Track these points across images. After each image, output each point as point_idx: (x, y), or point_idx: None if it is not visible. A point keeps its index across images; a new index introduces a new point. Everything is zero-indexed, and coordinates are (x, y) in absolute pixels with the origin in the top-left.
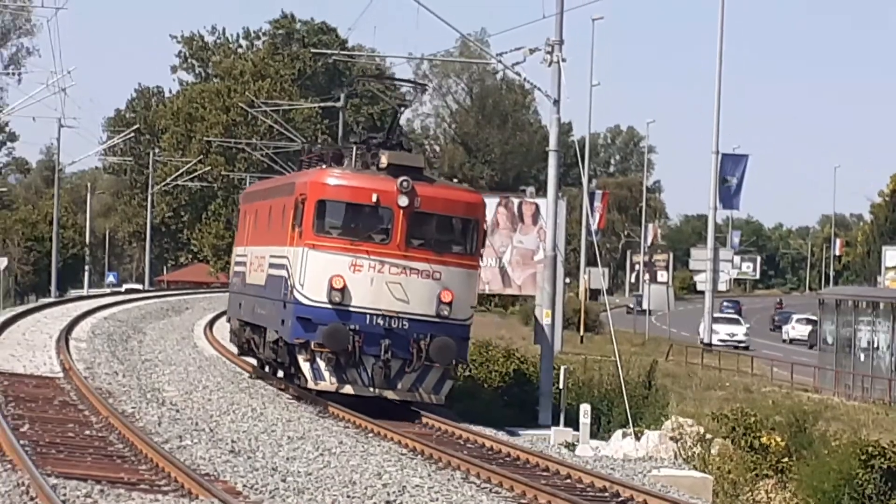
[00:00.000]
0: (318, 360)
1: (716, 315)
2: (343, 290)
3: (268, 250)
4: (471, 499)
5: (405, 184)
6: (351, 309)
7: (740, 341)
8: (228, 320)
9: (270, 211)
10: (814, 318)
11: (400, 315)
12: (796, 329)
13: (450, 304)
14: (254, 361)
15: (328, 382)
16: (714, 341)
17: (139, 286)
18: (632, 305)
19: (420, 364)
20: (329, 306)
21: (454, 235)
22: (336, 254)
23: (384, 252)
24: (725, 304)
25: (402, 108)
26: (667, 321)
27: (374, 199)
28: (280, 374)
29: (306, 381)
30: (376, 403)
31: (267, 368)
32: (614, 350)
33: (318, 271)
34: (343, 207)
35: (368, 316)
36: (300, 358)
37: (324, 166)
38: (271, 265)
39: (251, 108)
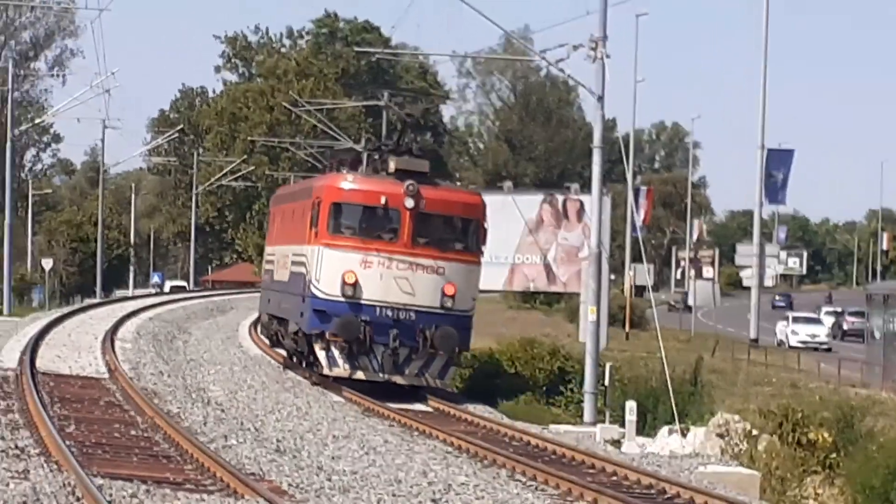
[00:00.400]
0: (332, 348)
1: (795, 315)
2: (355, 285)
3: (291, 249)
4: (516, 497)
5: (411, 187)
6: (362, 302)
7: (822, 342)
8: (259, 315)
9: (293, 213)
10: (837, 309)
11: (407, 307)
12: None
13: (453, 296)
14: (283, 353)
15: (342, 369)
16: (793, 343)
17: (184, 284)
18: (673, 302)
19: (426, 352)
20: (342, 300)
21: (456, 234)
22: (348, 252)
23: (392, 249)
24: (777, 299)
25: (411, 118)
26: (712, 317)
27: (382, 201)
28: (303, 363)
29: (322, 367)
30: (387, 388)
31: (294, 359)
32: (660, 346)
33: (332, 268)
34: (355, 209)
35: (378, 308)
36: (317, 347)
37: (342, 171)
38: (293, 262)
39: (295, 108)
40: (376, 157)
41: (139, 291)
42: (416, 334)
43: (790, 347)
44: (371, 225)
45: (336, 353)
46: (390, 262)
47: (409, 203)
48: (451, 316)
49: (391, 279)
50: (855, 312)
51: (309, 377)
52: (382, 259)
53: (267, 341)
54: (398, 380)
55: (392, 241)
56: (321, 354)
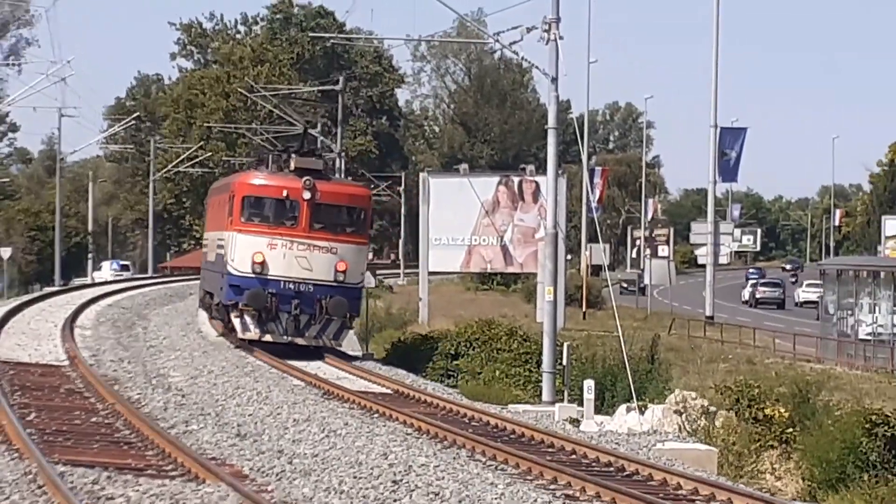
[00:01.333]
0: (245, 316)
1: (761, 281)
2: (263, 264)
3: (216, 235)
4: (477, 476)
5: (308, 182)
6: (269, 277)
7: (778, 299)
8: (200, 291)
9: (218, 204)
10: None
11: (306, 281)
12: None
13: (344, 272)
14: (220, 325)
15: (253, 333)
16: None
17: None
18: (626, 284)
19: (322, 318)
20: (252, 276)
21: (346, 220)
22: (257, 236)
23: (293, 234)
24: (751, 272)
25: (310, 125)
26: (668, 295)
27: (284, 193)
28: (226, 329)
29: (237, 332)
30: (291, 348)
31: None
32: (616, 325)
33: (244, 250)
34: (262, 201)
35: (282, 282)
36: (232, 315)
37: (253, 169)
38: (217, 246)
39: (251, 94)
40: (282, 157)
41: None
42: (314, 303)
43: (757, 303)
44: (275, 214)
45: (248, 319)
46: (291, 244)
47: (307, 195)
48: (343, 288)
49: (293, 258)
50: (767, 283)
51: (233, 341)
52: (285, 242)
53: (210, 318)
54: (300, 341)
55: (293, 226)
56: (236, 322)
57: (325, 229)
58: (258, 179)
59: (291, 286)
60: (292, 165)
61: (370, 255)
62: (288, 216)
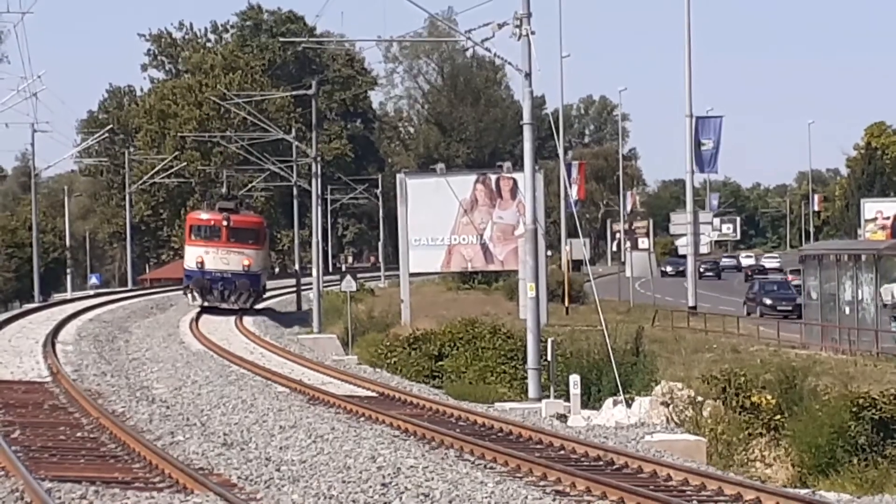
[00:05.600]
0: (194, 292)
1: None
2: (202, 263)
3: (186, 248)
4: (466, 476)
5: (225, 215)
6: (205, 270)
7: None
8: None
9: (189, 228)
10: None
11: (226, 271)
12: None
13: (248, 266)
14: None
15: (198, 301)
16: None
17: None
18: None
19: (237, 292)
20: (197, 269)
21: (249, 235)
22: (199, 247)
23: (218, 245)
24: (724, 258)
25: (234, 186)
26: (651, 287)
27: (212, 222)
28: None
29: (189, 301)
30: (221, 311)
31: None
32: (600, 319)
33: (192, 255)
34: (200, 227)
35: (213, 273)
36: (187, 292)
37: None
38: (187, 255)
39: (223, 102)
40: (214, 203)
41: (77, 294)
42: (232, 284)
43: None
44: (208, 234)
45: (196, 294)
46: (217, 251)
47: (225, 223)
48: (248, 275)
49: (218, 258)
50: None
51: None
52: (214, 249)
53: (209, 336)
54: (224, 305)
55: (218, 241)
56: (189, 296)
57: (236, 241)
58: (198, 215)
59: (218, 274)
60: (217, 206)
61: (269, 258)
62: (215, 235)
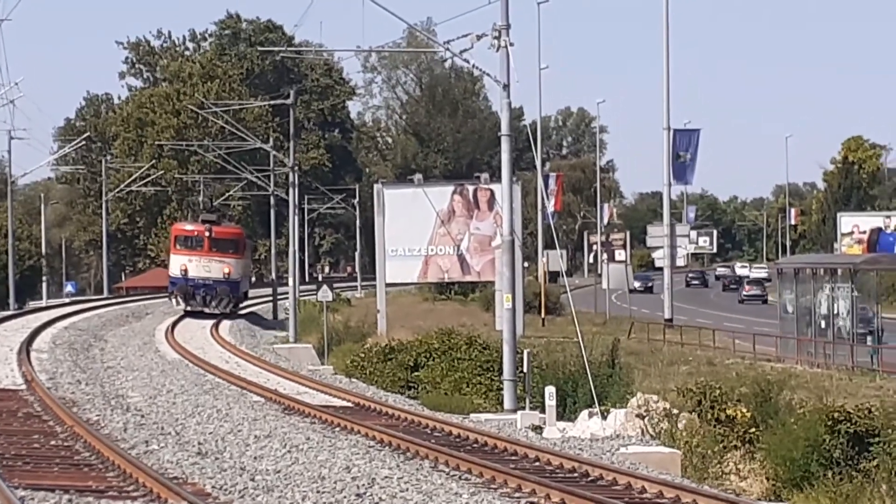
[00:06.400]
0: (178, 297)
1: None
2: (186, 270)
3: (171, 256)
4: (440, 487)
5: (207, 226)
6: (189, 277)
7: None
8: None
9: (174, 238)
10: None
11: (208, 279)
12: None
13: (228, 273)
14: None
15: (182, 306)
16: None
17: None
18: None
19: (218, 297)
20: (181, 277)
21: (229, 246)
22: (182, 256)
23: (200, 254)
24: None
25: (212, 195)
26: (627, 300)
27: (195, 233)
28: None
29: (174, 306)
30: (203, 315)
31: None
32: (576, 331)
33: (176, 263)
34: (184, 237)
35: (196, 280)
36: (172, 297)
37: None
38: (171, 263)
39: (201, 110)
40: (198, 216)
41: (53, 301)
42: (213, 290)
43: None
44: (191, 244)
45: (180, 299)
46: (200, 259)
47: (207, 234)
48: (228, 282)
49: (201, 267)
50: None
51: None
52: (197, 258)
53: (185, 344)
54: (206, 310)
55: (200, 250)
56: (173, 301)
57: (217, 251)
58: (183, 226)
59: (201, 281)
60: (201, 218)
61: (250, 267)
62: (197, 245)
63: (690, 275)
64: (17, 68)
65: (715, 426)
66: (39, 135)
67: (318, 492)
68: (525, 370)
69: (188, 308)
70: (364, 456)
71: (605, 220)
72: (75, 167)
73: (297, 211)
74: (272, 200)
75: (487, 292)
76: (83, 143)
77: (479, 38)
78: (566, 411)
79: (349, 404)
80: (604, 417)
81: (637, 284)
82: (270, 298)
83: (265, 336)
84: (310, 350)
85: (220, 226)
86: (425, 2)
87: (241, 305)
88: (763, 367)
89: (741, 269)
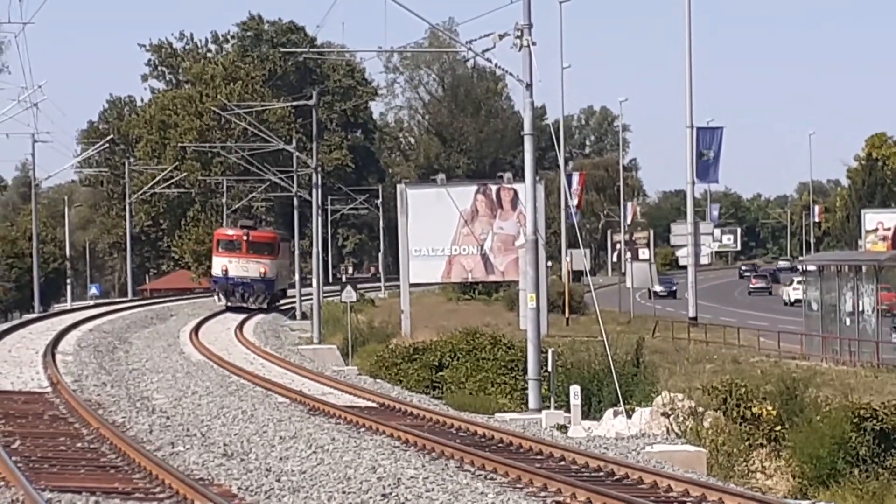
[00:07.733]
0: (220, 294)
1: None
2: (227, 270)
3: (214, 258)
4: (466, 487)
5: (245, 231)
6: (229, 276)
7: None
8: None
9: (216, 242)
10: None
11: (246, 278)
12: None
13: (264, 273)
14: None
15: (224, 302)
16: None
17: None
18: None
19: (256, 294)
20: (222, 276)
21: (265, 248)
22: (224, 258)
23: (239, 256)
24: (744, 269)
25: (235, 196)
26: (650, 298)
27: (234, 237)
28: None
29: (217, 302)
30: (244, 310)
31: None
32: (601, 330)
33: (219, 264)
34: (225, 241)
35: (236, 279)
36: (215, 295)
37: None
38: (214, 264)
39: (224, 112)
40: (237, 222)
41: (77, 304)
42: (251, 287)
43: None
44: (231, 247)
45: (221, 296)
46: (239, 261)
47: (245, 238)
48: (264, 280)
49: (240, 267)
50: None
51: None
52: (236, 259)
53: (209, 346)
54: (245, 305)
55: (239, 252)
56: (215, 298)
57: (254, 253)
58: (224, 231)
59: (239, 280)
60: (240, 224)
61: (286, 266)
62: (237, 248)
63: (752, 280)
64: (40, 71)
65: (740, 424)
66: (63, 138)
67: (343, 492)
68: (550, 369)
69: (228, 304)
70: (389, 456)
71: (629, 219)
72: (99, 170)
73: (320, 212)
74: (295, 202)
75: (511, 292)
76: (106, 145)
77: (501, 37)
78: (591, 410)
79: (374, 405)
80: (629, 416)
81: (660, 289)
82: (293, 300)
83: (290, 337)
84: (334, 351)
85: (256, 230)
86: (447, 2)
87: (280, 302)
88: (788, 364)
89: (783, 263)
